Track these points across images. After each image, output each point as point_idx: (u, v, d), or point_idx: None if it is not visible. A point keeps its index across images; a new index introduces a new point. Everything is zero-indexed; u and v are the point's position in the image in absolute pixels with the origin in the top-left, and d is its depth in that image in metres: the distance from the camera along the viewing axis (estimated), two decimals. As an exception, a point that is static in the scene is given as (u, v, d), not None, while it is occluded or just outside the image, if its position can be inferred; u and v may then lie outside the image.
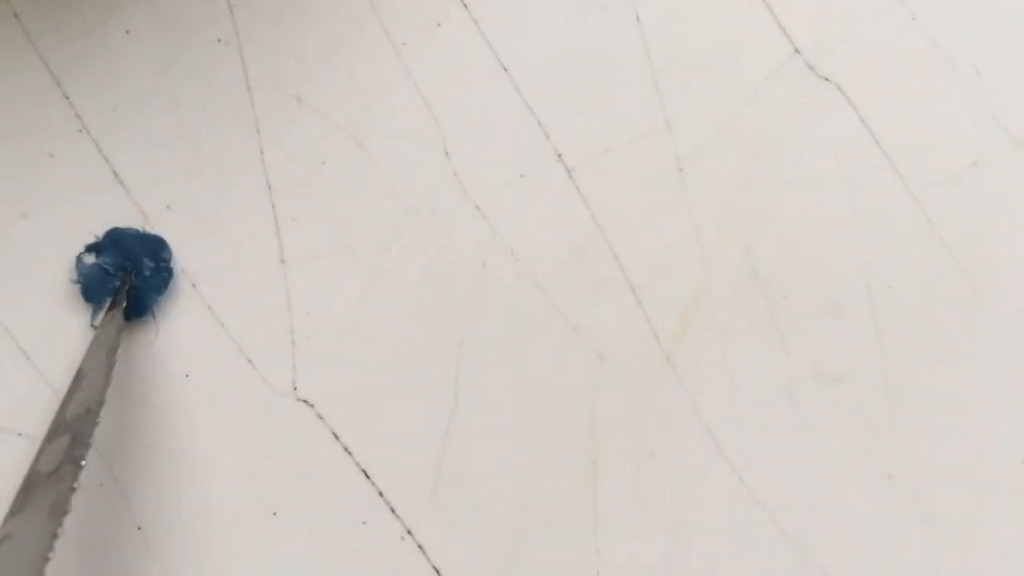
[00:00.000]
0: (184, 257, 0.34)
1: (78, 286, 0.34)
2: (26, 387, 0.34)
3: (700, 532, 0.34)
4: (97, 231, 0.34)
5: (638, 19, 0.36)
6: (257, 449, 0.34)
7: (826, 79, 0.35)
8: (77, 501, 0.33)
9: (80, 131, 0.35)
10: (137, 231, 0.34)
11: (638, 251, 0.35)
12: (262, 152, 0.35)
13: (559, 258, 0.35)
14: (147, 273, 0.34)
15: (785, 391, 0.34)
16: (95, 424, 0.30)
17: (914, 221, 0.35)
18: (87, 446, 0.29)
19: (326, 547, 0.33)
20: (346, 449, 0.34)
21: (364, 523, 0.34)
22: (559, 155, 0.35)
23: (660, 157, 0.35)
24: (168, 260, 0.34)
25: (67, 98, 0.35)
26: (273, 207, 0.35)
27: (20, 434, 0.34)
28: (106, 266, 0.34)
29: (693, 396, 0.34)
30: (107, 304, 0.34)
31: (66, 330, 0.34)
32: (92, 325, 0.34)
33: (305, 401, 0.34)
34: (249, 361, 0.34)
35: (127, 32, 0.35)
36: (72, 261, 0.34)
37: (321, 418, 0.34)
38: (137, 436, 0.34)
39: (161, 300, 0.34)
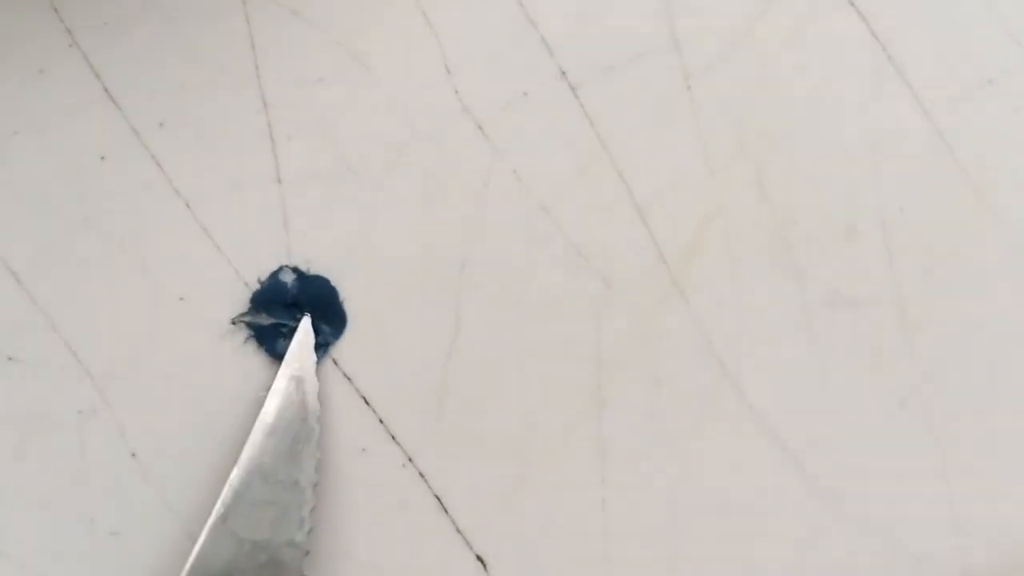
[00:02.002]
0: (177, 176, 0.33)
1: (258, 286, 0.33)
2: (15, 310, 0.33)
3: (708, 460, 0.33)
4: (100, 151, 0.33)
5: (645, -65, 0.35)
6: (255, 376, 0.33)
7: (839, -6, 0.34)
8: (68, 428, 0.33)
9: (70, 46, 0.34)
10: (338, 297, 0.33)
11: (645, 172, 0.34)
12: (257, 68, 0.34)
13: (563, 179, 0.34)
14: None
15: (796, 316, 0.34)
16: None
17: (928, 141, 0.34)
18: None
19: (324, 475, 0.33)
20: (345, 375, 0.33)
21: (364, 450, 0.33)
22: (563, 72, 0.34)
23: (668, 74, 0.34)
24: (332, 343, 0.33)
25: (56, 11, 0.34)
26: (269, 125, 0.34)
27: (10, 358, 0.33)
28: (292, 295, 0.33)
29: (701, 321, 0.33)
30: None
31: (59, 257, 0.33)
32: (232, 322, 0.33)
33: (303, 326, 0.33)
34: (245, 284, 0.33)
35: (118, -56, 0.34)
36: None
37: (320, 343, 0.33)
38: (130, 360, 0.33)
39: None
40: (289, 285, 0.33)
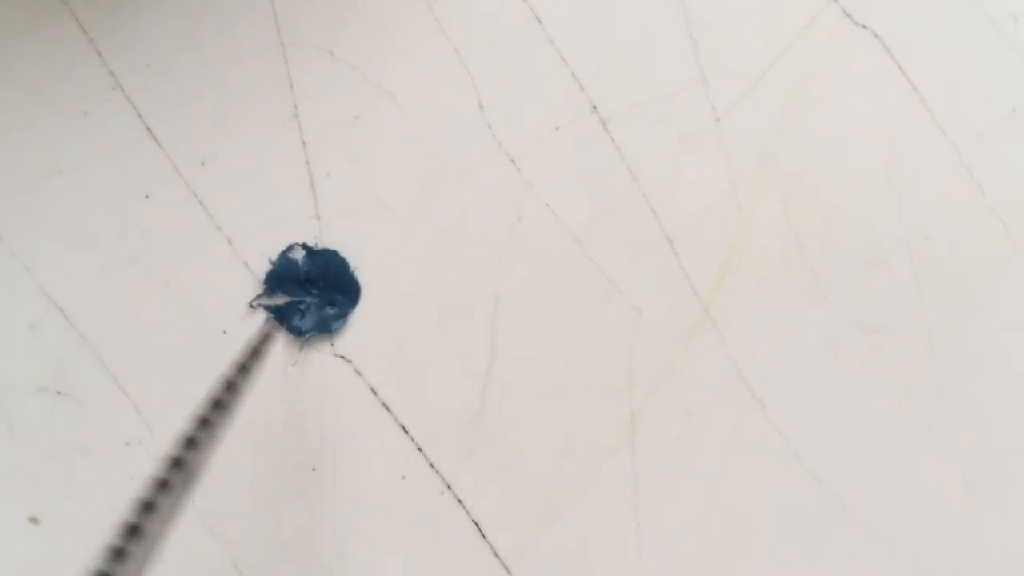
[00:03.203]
0: (219, 213, 0.34)
1: (270, 267, 0.34)
2: (63, 346, 0.34)
3: (739, 487, 0.34)
4: (144, 190, 0.34)
5: (671, -30, 0.36)
6: (295, 405, 0.34)
7: (864, 27, 0.35)
8: (115, 459, 0.34)
9: (114, 88, 0.35)
10: (348, 268, 0.34)
11: (674, 204, 0.35)
12: (296, 107, 0.35)
13: (595, 212, 0.35)
14: (330, 309, 0.34)
15: (824, 343, 0.34)
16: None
17: (952, 170, 0.35)
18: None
19: (366, 502, 0.33)
20: (384, 404, 0.34)
21: (403, 478, 0.34)
22: (594, 107, 0.35)
23: (696, 108, 0.35)
24: (348, 313, 0.34)
25: (100, 55, 0.35)
26: (307, 163, 0.35)
27: (59, 393, 0.34)
28: (304, 271, 0.34)
29: (731, 350, 0.34)
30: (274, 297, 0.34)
31: (104, 293, 0.34)
32: (250, 304, 0.34)
33: (342, 357, 0.34)
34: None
35: (159, -12, 0.35)
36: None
37: (359, 373, 0.34)
38: (175, 392, 0.34)
39: (310, 337, 0.34)
40: (300, 262, 0.34)
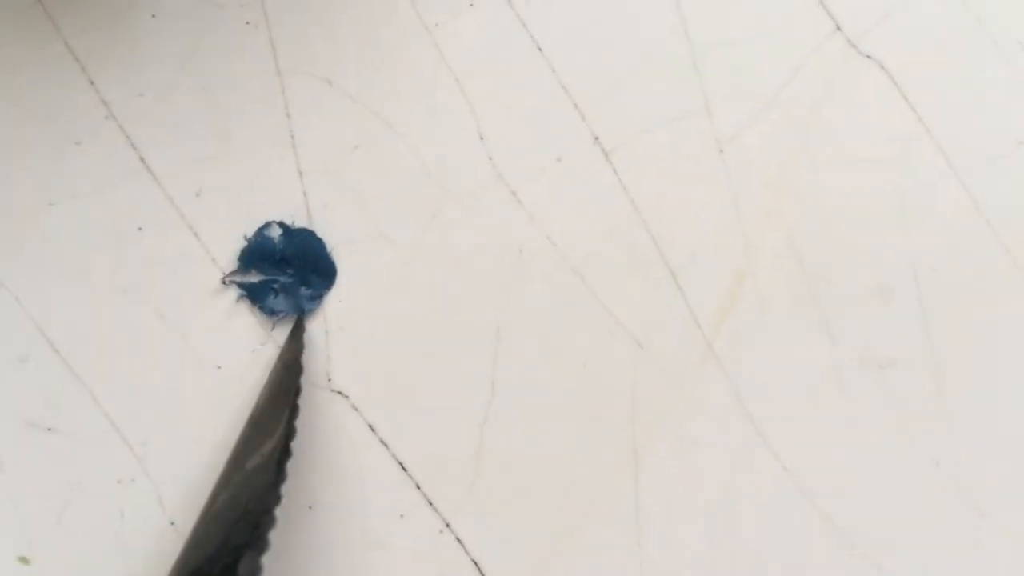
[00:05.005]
0: (214, 245, 0.34)
1: (245, 243, 0.33)
2: (55, 381, 0.33)
3: (743, 522, 0.33)
4: (138, 222, 0.34)
5: (674, -2, 0.35)
6: (290, 440, 0.33)
7: (868, 57, 0.34)
8: (107, 497, 0.33)
9: (107, 118, 0.34)
10: (325, 248, 0.34)
11: (678, 235, 0.34)
12: (292, 137, 0.34)
13: (597, 243, 0.34)
14: (304, 289, 0.33)
15: (829, 377, 0.34)
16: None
17: (959, 202, 0.34)
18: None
19: (363, 541, 0.33)
20: (382, 441, 0.33)
21: (401, 516, 0.33)
22: (596, 137, 0.34)
23: (700, 138, 0.34)
24: (324, 294, 0.34)
25: (93, 84, 0.34)
26: (305, 194, 0.34)
27: (50, 429, 0.33)
28: (279, 250, 0.33)
29: (735, 383, 0.34)
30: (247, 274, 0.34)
31: (97, 327, 0.33)
32: (222, 280, 0.33)
33: (340, 392, 0.33)
34: (279, 348, 0.33)
35: (153, 16, 0.34)
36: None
37: (356, 410, 0.33)
38: (169, 429, 0.33)
39: (289, 315, 0.34)
40: (276, 240, 0.33)
